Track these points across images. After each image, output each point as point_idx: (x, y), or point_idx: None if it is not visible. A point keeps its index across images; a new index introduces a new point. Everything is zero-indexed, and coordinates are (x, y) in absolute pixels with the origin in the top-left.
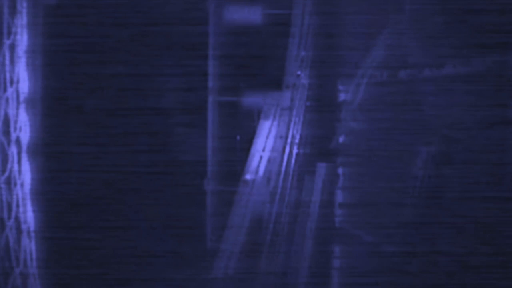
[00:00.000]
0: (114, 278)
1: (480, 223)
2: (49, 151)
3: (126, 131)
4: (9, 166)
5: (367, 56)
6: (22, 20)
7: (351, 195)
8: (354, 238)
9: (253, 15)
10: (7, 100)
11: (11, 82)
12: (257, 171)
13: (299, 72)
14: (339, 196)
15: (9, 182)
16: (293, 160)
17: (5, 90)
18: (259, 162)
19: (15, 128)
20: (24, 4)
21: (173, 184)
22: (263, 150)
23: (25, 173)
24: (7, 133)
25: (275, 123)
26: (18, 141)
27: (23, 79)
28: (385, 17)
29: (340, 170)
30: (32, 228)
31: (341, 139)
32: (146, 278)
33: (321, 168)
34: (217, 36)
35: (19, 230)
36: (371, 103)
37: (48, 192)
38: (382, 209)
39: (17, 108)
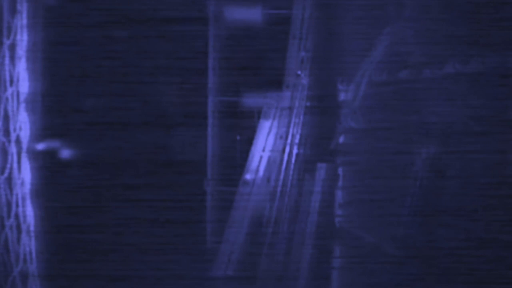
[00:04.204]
0: (114, 277)
1: (480, 223)
2: (49, 151)
3: (126, 131)
4: (9, 165)
5: (367, 56)
6: (22, 20)
7: (351, 195)
8: (354, 238)
9: (253, 15)
10: (7, 99)
11: (11, 82)
12: (257, 171)
13: (299, 72)
14: (339, 196)
15: (9, 182)
16: (293, 160)
17: (5, 90)
18: (259, 162)
19: (15, 128)
20: (24, 4)
21: (173, 184)
22: (263, 150)
23: (25, 173)
24: (7, 132)
25: (275, 123)
26: (18, 141)
27: (23, 79)
28: (385, 17)
29: (340, 170)
30: (31, 227)
31: (341, 139)
32: (146, 278)
33: (321, 168)
34: (217, 36)
35: (18, 229)
36: (371, 103)
37: (48, 191)
38: (382, 209)
39: (17, 108)
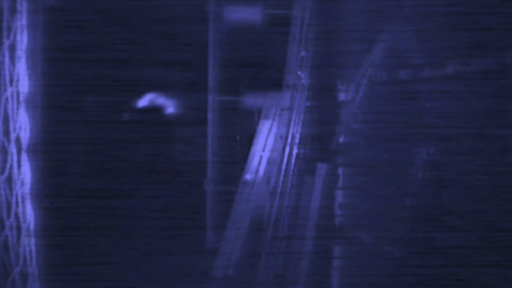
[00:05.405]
0: (113, 277)
1: (480, 223)
2: (48, 150)
3: (126, 131)
4: (8, 165)
5: (367, 56)
6: (22, 20)
7: (351, 195)
8: (354, 238)
9: (253, 15)
10: (7, 99)
11: (11, 82)
12: (257, 171)
13: (299, 72)
14: (339, 196)
15: (9, 181)
16: (293, 160)
17: (5, 89)
18: (259, 162)
19: (15, 128)
20: (24, 4)
21: (173, 184)
22: (263, 150)
23: (24, 172)
24: (7, 132)
25: (275, 123)
26: (18, 141)
27: (23, 79)
28: (385, 17)
29: (340, 170)
30: (31, 227)
31: (341, 139)
32: (146, 278)
33: (321, 168)
34: (217, 36)
35: (18, 229)
36: (371, 103)
37: (48, 191)
38: (382, 209)
39: (17, 108)
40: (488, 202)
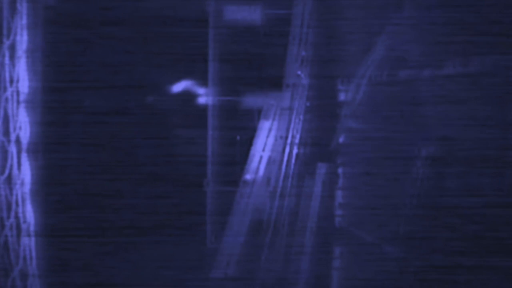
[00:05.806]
0: (113, 277)
1: (480, 223)
2: (48, 150)
3: (126, 131)
4: (8, 165)
5: (367, 56)
6: (22, 20)
7: (351, 195)
8: (354, 238)
9: (253, 15)
10: (7, 99)
11: (11, 82)
12: (257, 171)
13: (299, 72)
14: (339, 196)
15: (9, 181)
16: (293, 160)
17: (5, 90)
18: (259, 162)
19: (15, 128)
20: (24, 4)
21: (173, 184)
22: (263, 150)
23: (24, 172)
24: (7, 132)
25: (275, 123)
26: (18, 141)
27: (23, 79)
28: (385, 17)
29: (340, 170)
30: (31, 227)
31: (341, 139)
32: (146, 278)
33: (321, 168)
34: (217, 36)
35: (18, 229)
36: (371, 103)
37: (48, 191)
38: (381, 209)
39: (17, 108)
40: (488, 203)
